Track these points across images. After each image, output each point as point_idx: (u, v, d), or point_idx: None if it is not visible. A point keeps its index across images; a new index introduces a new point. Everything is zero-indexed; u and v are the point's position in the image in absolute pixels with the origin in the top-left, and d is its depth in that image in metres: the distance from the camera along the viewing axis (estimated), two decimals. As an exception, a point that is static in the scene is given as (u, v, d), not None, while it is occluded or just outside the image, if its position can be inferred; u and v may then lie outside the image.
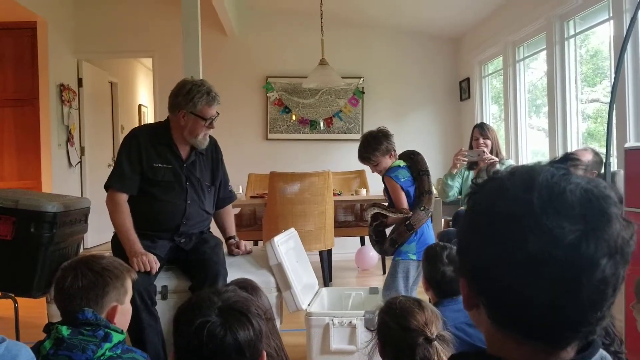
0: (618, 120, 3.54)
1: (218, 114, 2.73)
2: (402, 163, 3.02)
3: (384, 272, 5.30)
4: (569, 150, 4.39)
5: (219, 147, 2.95)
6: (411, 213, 2.87)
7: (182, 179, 2.69)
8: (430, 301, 2.13)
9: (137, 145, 2.66)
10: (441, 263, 2.01)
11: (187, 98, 2.61)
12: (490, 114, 6.17)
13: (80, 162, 6.43)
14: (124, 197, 2.63)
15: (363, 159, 3.02)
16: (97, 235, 6.04)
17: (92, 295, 1.56)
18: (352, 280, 5.33)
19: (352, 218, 5.51)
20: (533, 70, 5.33)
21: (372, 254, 5.68)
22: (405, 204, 2.93)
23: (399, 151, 3.24)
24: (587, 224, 0.67)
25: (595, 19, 4.11)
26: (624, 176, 2.64)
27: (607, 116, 4.27)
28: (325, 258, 4.72)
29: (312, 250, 4.53)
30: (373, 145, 2.96)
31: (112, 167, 7.10)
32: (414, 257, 2.80)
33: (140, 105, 8.97)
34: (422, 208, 2.87)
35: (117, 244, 2.60)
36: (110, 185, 2.66)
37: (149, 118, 9.15)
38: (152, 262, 2.47)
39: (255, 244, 5.50)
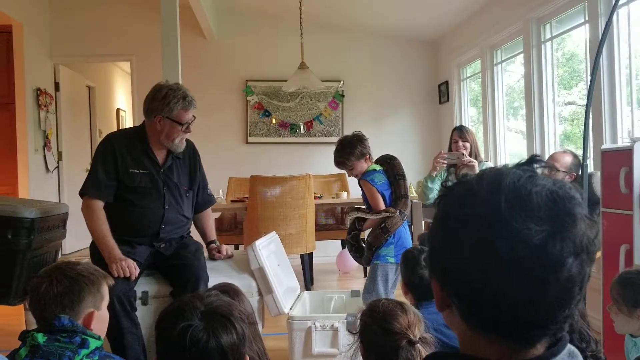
0: (594, 122, 3.60)
1: (194, 117, 2.71)
2: (377, 167, 3.05)
3: (365, 275, 5.31)
4: (546, 152, 4.45)
5: (197, 150, 2.93)
6: (396, 212, 2.89)
7: (159, 184, 2.67)
8: (409, 304, 2.15)
9: (112, 151, 2.63)
10: (419, 266, 2.02)
11: (163, 103, 2.58)
12: (469, 116, 6.23)
13: (58, 167, 6.35)
14: (99, 204, 2.59)
15: (338, 163, 3.05)
16: (76, 241, 5.96)
17: (68, 301, 1.55)
18: (333, 284, 5.34)
19: (332, 221, 5.52)
20: (510, 74, 5.39)
21: (353, 257, 5.69)
22: (382, 205, 2.95)
23: (378, 154, 3.26)
24: (553, 224, 0.69)
25: (571, 23, 4.18)
26: (600, 177, 2.68)
27: (583, 118, 4.35)
28: (307, 261, 4.72)
29: (293, 254, 4.53)
30: (347, 150, 2.99)
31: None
32: (393, 260, 2.82)
33: (118, 110, 8.90)
34: (398, 212, 2.90)
35: (96, 251, 2.57)
36: (85, 192, 2.62)
37: (128, 122, 9.07)
38: (132, 267, 2.45)
39: (236, 248, 5.48)
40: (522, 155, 5.13)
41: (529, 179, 0.72)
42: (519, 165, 0.75)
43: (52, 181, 6.27)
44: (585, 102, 4.19)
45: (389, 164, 3.08)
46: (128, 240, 2.61)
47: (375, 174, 2.99)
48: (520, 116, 5.31)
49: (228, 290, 1.79)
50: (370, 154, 3.06)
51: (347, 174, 3.18)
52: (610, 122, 3.57)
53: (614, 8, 2.68)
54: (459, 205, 0.74)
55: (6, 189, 5.74)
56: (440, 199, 0.79)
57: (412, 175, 6.67)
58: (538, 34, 4.46)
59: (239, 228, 5.18)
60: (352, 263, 5.71)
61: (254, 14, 6.48)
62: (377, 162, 3.13)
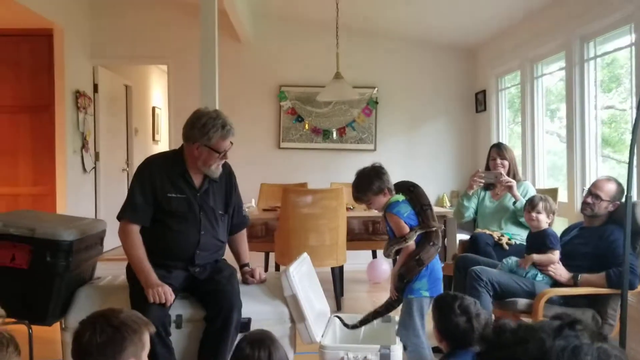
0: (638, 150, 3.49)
1: (232, 143, 2.72)
2: (401, 197, 2.87)
3: (396, 287, 5.27)
4: (587, 158, 4.34)
5: (233, 173, 2.94)
6: (434, 227, 2.80)
7: (195, 208, 2.68)
8: (443, 351, 2.11)
9: (150, 175, 2.66)
10: (454, 314, 1.96)
11: (202, 131, 2.60)
12: (506, 124, 6.11)
13: (95, 167, 6.45)
14: (136, 228, 2.63)
15: (356, 198, 2.90)
16: (113, 239, 6.02)
17: (110, 351, 1.55)
18: (363, 295, 5.31)
19: (364, 231, 5.48)
20: (548, 76, 5.23)
21: (384, 268, 5.66)
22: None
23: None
24: None
25: (616, 38, 4.05)
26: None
27: (621, 122, 4.25)
28: (337, 275, 4.69)
29: (324, 267, 4.52)
30: (365, 186, 2.84)
31: (125, 171, 7.10)
32: (427, 294, 2.74)
33: (154, 108, 8.99)
34: (431, 243, 2.78)
35: (132, 273, 2.60)
36: (122, 217, 2.65)
37: (163, 120, 9.16)
38: (168, 293, 2.47)
39: (267, 256, 5.50)
40: (556, 163, 5.02)
41: (574, 351, 0.72)
42: (561, 329, 0.74)
43: (89, 181, 6.38)
44: (624, 107, 4.11)
45: (413, 192, 2.91)
46: (164, 264, 2.64)
47: (400, 204, 2.84)
48: (557, 119, 5.21)
49: (264, 338, 1.78)
50: (389, 188, 2.87)
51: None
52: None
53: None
54: None
55: (44, 188, 5.87)
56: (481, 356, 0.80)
57: (447, 185, 6.60)
58: (581, 51, 4.34)
59: (270, 235, 5.18)
60: (383, 274, 5.67)
61: (289, 19, 6.46)
62: (397, 188, 3.00)
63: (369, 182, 2.83)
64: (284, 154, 6.58)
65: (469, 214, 4.20)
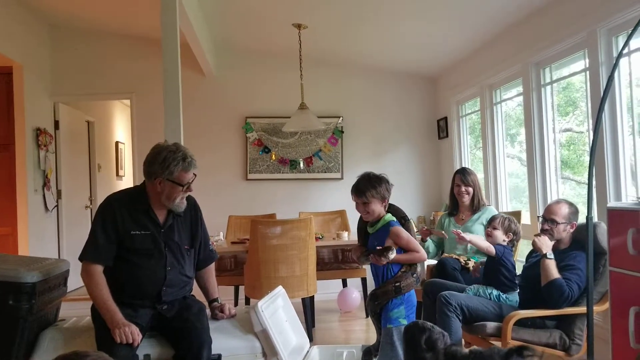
0: (597, 172, 3.59)
1: (195, 175, 2.70)
2: (394, 218, 2.95)
3: (367, 315, 5.25)
4: (547, 181, 4.43)
5: (198, 206, 2.91)
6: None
7: (160, 244, 2.65)
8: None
9: (112, 214, 2.62)
10: (420, 348, 1.94)
11: (163, 166, 2.58)
12: (468, 149, 6.22)
13: (57, 205, 6.32)
14: (99, 269, 2.57)
15: (358, 191, 2.90)
16: (77, 278, 5.87)
17: None
18: (335, 325, 5.28)
19: (334, 259, 5.49)
20: (507, 102, 5.36)
21: (355, 296, 5.65)
22: (421, 248, 2.88)
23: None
24: None
25: (572, 64, 4.19)
26: (607, 235, 2.67)
27: (579, 144, 4.37)
28: (308, 305, 4.66)
29: (295, 298, 4.48)
30: (373, 183, 2.87)
31: (89, 209, 6.94)
32: (405, 322, 2.75)
33: (117, 143, 8.89)
34: (414, 274, 2.83)
35: (97, 314, 2.54)
36: (84, 257, 2.59)
37: (127, 155, 9.07)
38: (135, 333, 2.41)
39: (236, 289, 5.44)
40: (518, 185, 5.12)
41: None
42: (509, 355, 0.77)
43: (51, 220, 6.24)
44: (582, 129, 4.24)
45: (404, 224, 2.96)
46: (130, 303, 2.59)
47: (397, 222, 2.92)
48: (517, 143, 5.33)
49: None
50: (388, 201, 2.94)
51: (355, 207, 2.99)
52: (613, 178, 3.56)
53: (615, 65, 2.69)
54: None
55: (5, 230, 5.71)
56: None
57: (412, 210, 6.65)
58: (537, 77, 4.47)
59: (239, 268, 5.14)
60: (353, 302, 5.67)
61: (253, 52, 6.51)
62: (392, 211, 3.00)
63: (378, 181, 2.87)
64: (251, 186, 6.57)
65: (432, 249, 4.25)
